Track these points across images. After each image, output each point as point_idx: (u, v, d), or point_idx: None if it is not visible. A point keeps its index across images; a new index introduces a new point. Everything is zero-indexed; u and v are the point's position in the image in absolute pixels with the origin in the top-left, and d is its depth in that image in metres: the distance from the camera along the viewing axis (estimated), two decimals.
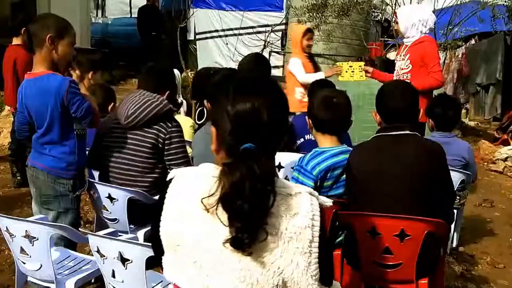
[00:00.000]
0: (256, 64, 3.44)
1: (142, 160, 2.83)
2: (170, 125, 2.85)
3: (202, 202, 1.22)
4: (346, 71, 4.64)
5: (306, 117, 2.70)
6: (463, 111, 10.64)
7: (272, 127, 1.27)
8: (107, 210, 2.86)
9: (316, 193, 1.31)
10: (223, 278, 1.24)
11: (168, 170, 2.92)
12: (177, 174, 1.36)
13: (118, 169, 2.87)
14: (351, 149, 2.60)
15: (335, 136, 2.60)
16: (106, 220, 2.92)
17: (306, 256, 1.23)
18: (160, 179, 2.91)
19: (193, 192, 1.27)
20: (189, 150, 3.18)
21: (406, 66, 4.28)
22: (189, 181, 1.31)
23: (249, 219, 1.17)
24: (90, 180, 2.87)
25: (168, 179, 1.37)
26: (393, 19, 4.62)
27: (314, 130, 2.65)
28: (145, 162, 2.84)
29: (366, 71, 4.60)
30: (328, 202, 1.33)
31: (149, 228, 2.90)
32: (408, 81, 4.04)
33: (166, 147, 2.83)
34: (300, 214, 1.24)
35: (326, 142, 2.60)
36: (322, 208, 1.29)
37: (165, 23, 11.01)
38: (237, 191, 1.17)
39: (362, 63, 4.77)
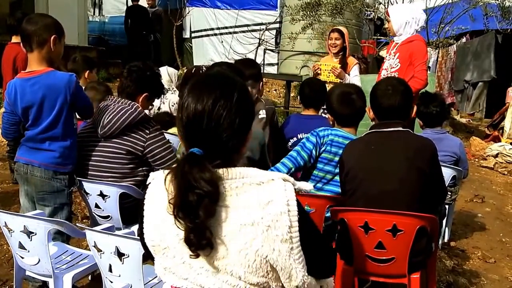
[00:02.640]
0: (241, 66, 3.37)
1: (121, 167, 2.83)
2: (148, 132, 2.83)
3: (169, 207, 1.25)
4: (324, 71, 4.72)
5: (328, 115, 3.00)
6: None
7: (218, 131, 1.26)
8: (99, 208, 2.86)
9: (291, 179, 1.30)
10: (213, 275, 1.28)
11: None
12: (154, 178, 1.38)
13: (97, 176, 2.86)
14: None
15: (353, 128, 2.91)
16: (99, 218, 2.93)
17: (288, 243, 1.24)
18: (144, 181, 2.91)
19: (164, 197, 1.28)
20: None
21: (395, 64, 4.31)
22: (161, 186, 1.32)
23: (192, 222, 1.20)
24: (82, 179, 2.84)
25: (148, 182, 1.40)
26: (385, 17, 4.59)
27: (335, 124, 2.93)
28: (124, 168, 2.84)
29: (335, 72, 4.64)
30: (308, 186, 1.35)
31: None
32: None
33: (148, 155, 2.83)
34: (274, 201, 1.24)
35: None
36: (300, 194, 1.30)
37: (161, 22, 10.98)
38: (178, 198, 1.21)
39: (337, 65, 4.75)
